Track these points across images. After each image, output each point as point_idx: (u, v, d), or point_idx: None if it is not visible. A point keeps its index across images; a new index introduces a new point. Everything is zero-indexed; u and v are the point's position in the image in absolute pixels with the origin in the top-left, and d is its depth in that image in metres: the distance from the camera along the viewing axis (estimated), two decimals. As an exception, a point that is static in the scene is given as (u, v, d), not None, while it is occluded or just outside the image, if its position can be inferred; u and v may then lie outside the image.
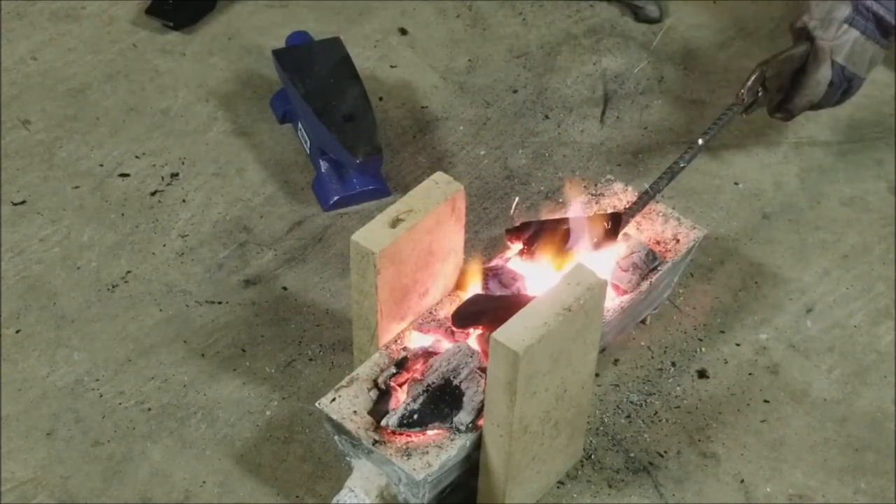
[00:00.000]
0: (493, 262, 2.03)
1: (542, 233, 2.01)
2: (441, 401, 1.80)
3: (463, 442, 1.80)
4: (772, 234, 2.32)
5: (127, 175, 2.38)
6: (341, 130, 2.27)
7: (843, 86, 2.28)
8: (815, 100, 2.27)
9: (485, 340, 1.87)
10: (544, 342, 1.69)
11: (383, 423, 1.79)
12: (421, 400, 1.80)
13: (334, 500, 1.82)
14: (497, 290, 1.97)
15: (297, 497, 1.93)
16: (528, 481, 1.88)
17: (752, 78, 2.20)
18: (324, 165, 2.34)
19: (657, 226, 2.11)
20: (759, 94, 2.22)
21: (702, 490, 1.97)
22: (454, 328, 1.92)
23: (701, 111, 2.54)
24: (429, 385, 1.82)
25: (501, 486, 1.83)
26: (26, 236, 2.27)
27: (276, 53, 2.43)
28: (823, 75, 2.24)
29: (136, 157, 2.41)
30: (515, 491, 1.86)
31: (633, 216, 2.07)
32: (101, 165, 2.39)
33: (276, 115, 2.46)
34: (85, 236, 2.27)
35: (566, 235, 2.00)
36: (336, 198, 2.33)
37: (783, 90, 2.26)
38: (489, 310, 1.91)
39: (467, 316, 1.92)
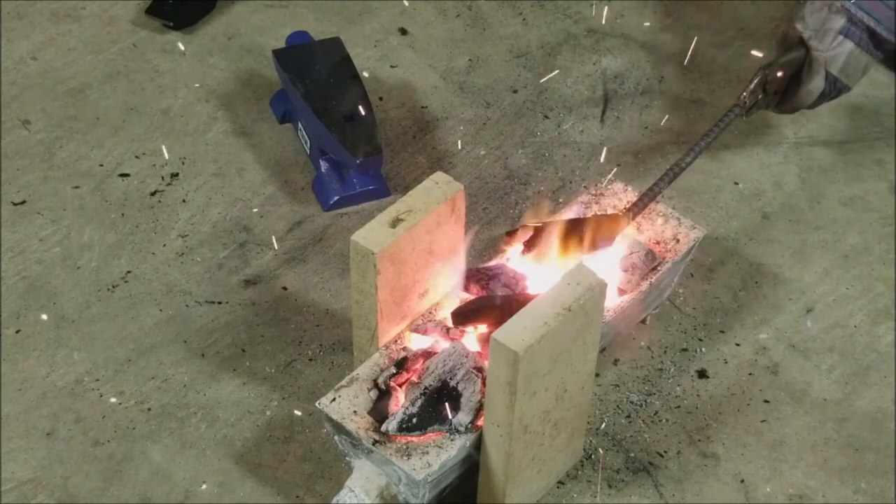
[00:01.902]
0: (491, 263, 2.04)
1: (544, 234, 2.01)
2: (439, 403, 1.80)
3: (463, 442, 1.80)
4: (772, 234, 2.32)
5: (127, 175, 2.38)
6: (341, 130, 2.27)
7: (833, 94, 2.31)
8: (803, 107, 2.31)
9: (484, 340, 1.88)
10: (544, 342, 1.69)
11: (383, 428, 1.79)
12: (419, 403, 1.80)
13: (334, 500, 1.82)
14: (498, 291, 1.97)
15: (297, 497, 1.93)
16: (528, 481, 1.88)
17: (755, 81, 2.22)
18: (324, 165, 2.34)
19: (657, 226, 2.11)
20: (760, 97, 2.23)
21: (702, 490, 1.97)
22: (454, 326, 1.92)
23: (701, 111, 2.54)
24: (426, 388, 1.82)
25: (501, 486, 1.83)
26: (26, 236, 2.27)
27: (276, 53, 2.43)
28: (816, 86, 2.26)
29: (136, 157, 2.41)
30: (515, 491, 1.86)
31: (632, 219, 2.07)
32: (101, 165, 2.39)
33: (276, 115, 2.46)
34: (85, 236, 2.27)
35: (570, 236, 2.00)
36: (336, 198, 2.33)
37: (780, 93, 2.28)
38: (489, 309, 1.91)
39: (467, 314, 1.92)
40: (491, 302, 1.93)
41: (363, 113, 2.30)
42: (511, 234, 2.04)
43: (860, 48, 2.24)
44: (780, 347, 2.15)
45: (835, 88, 2.29)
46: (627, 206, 2.09)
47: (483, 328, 1.91)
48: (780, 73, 2.24)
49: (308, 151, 2.39)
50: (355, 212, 2.34)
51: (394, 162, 2.42)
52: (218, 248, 2.27)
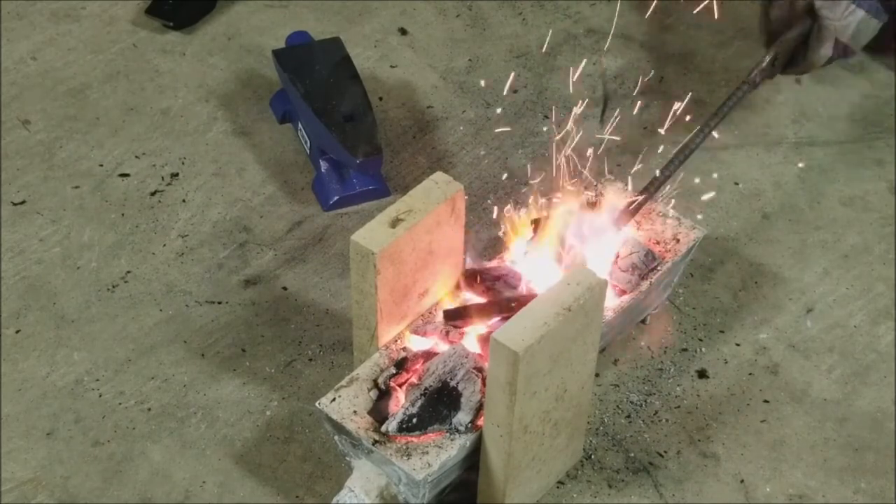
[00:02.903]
0: (492, 263, 2.04)
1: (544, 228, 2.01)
2: (439, 403, 1.80)
3: (463, 442, 1.80)
4: (772, 234, 2.32)
5: (127, 175, 2.38)
6: (341, 130, 2.27)
7: (839, 58, 2.31)
8: (810, 71, 2.33)
9: (484, 342, 1.88)
10: (544, 342, 1.69)
11: (383, 429, 1.79)
12: (419, 404, 1.80)
13: (334, 500, 1.82)
14: (505, 292, 1.97)
15: (297, 497, 1.93)
16: (528, 481, 1.88)
17: (766, 61, 2.23)
18: (324, 165, 2.34)
19: (657, 226, 2.11)
20: (769, 71, 2.25)
21: (702, 490, 1.97)
22: (444, 322, 1.93)
23: (701, 111, 2.53)
24: (426, 388, 1.82)
25: (501, 486, 1.83)
26: (26, 236, 2.27)
27: (276, 53, 2.43)
28: (825, 53, 2.26)
29: (136, 157, 2.41)
30: (515, 491, 1.86)
31: (644, 203, 2.07)
32: (101, 165, 2.39)
33: (276, 115, 2.46)
34: (85, 236, 2.27)
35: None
36: (336, 198, 2.33)
37: (791, 66, 2.30)
38: (479, 306, 1.91)
39: (457, 311, 1.93)
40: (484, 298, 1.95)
41: (363, 113, 2.30)
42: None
43: (871, 14, 2.23)
44: (780, 347, 2.15)
45: (844, 55, 2.28)
46: (639, 192, 2.09)
47: (483, 329, 1.91)
48: (788, 47, 2.25)
49: (308, 151, 2.39)
50: (355, 212, 2.34)
51: (394, 162, 2.42)
52: (218, 248, 2.27)
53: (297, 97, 2.34)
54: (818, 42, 2.26)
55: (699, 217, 2.29)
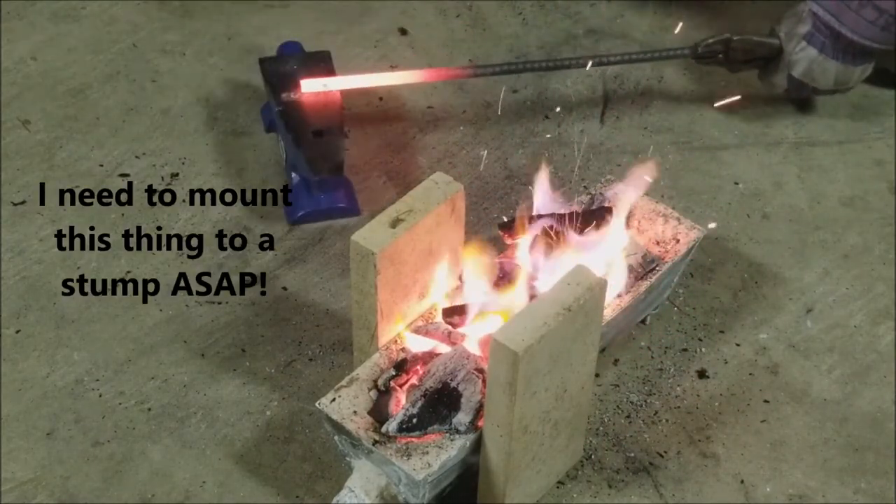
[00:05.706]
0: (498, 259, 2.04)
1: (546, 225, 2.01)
2: (439, 403, 1.80)
3: (463, 442, 1.80)
4: (772, 234, 2.32)
5: (127, 175, 2.38)
6: (308, 145, 2.23)
7: (806, 94, 2.46)
8: (777, 93, 2.48)
9: (485, 344, 1.88)
10: (544, 342, 1.69)
11: (383, 430, 1.79)
12: (419, 405, 1.80)
13: (334, 500, 1.82)
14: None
15: (297, 497, 1.93)
16: (528, 481, 1.88)
17: (716, 39, 2.42)
18: (295, 179, 2.31)
19: (657, 226, 2.11)
20: (720, 56, 2.43)
21: (702, 490, 1.97)
22: (443, 320, 1.93)
23: (701, 111, 2.54)
24: (427, 389, 1.82)
25: (501, 486, 1.83)
26: (26, 236, 2.27)
27: (262, 62, 2.38)
28: (779, 81, 2.43)
29: (136, 157, 2.41)
30: (515, 491, 1.86)
31: None
32: (101, 165, 2.39)
33: (264, 124, 2.45)
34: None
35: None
36: (302, 212, 2.30)
37: (749, 67, 2.46)
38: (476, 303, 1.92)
39: (454, 309, 1.93)
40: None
41: (332, 131, 2.24)
42: (505, 227, 2.04)
43: (824, 55, 2.35)
44: (780, 347, 2.15)
45: (805, 89, 2.42)
46: None
47: (482, 331, 1.91)
48: (750, 47, 2.41)
49: (284, 163, 2.37)
50: (355, 212, 2.34)
51: (394, 162, 2.42)
52: (218, 248, 2.27)
53: (275, 108, 2.30)
54: (774, 69, 2.42)
55: (699, 217, 2.29)
